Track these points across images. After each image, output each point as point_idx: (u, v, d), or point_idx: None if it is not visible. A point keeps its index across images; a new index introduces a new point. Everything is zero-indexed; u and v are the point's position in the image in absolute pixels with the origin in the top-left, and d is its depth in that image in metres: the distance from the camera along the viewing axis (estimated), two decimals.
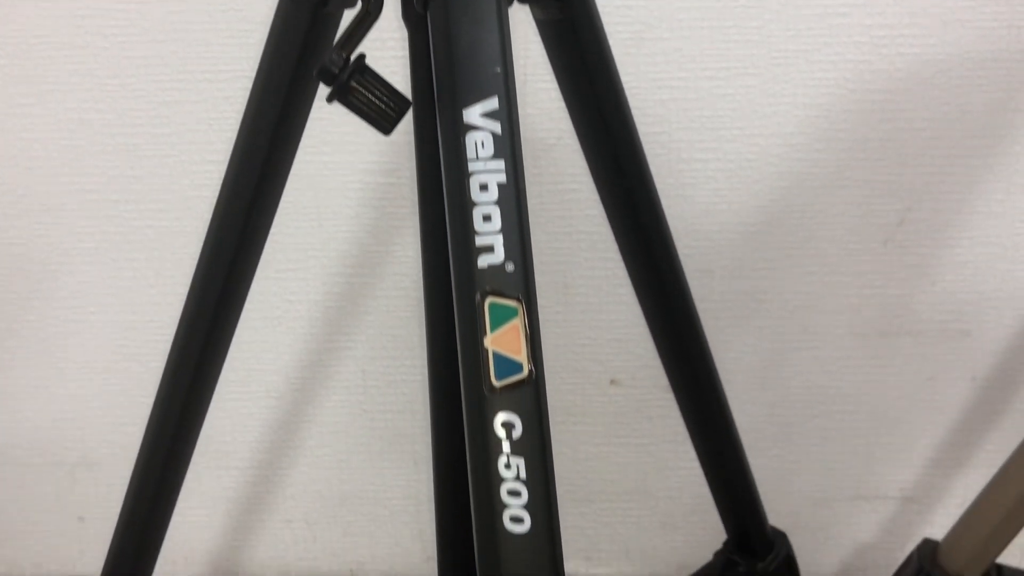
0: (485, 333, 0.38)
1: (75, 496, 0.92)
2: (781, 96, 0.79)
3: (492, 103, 0.38)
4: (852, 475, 0.90)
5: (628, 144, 0.59)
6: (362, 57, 0.42)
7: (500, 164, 0.38)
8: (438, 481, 0.54)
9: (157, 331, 0.85)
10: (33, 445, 0.90)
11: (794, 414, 0.89)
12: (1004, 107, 0.79)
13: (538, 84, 0.77)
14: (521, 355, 0.38)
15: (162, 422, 0.64)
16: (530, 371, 0.38)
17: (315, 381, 0.88)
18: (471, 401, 0.38)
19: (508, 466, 0.38)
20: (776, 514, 0.79)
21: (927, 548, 0.75)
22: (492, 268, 0.38)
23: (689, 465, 0.91)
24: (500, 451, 0.38)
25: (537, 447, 0.38)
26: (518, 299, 0.38)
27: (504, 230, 0.38)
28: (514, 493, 0.38)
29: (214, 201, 0.57)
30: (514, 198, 0.38)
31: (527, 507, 0.38)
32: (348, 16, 0.44)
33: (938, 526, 0.80)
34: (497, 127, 0.38)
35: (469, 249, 0.38)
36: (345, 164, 0.81)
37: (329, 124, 0.79)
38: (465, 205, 0.38)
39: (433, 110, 0.41)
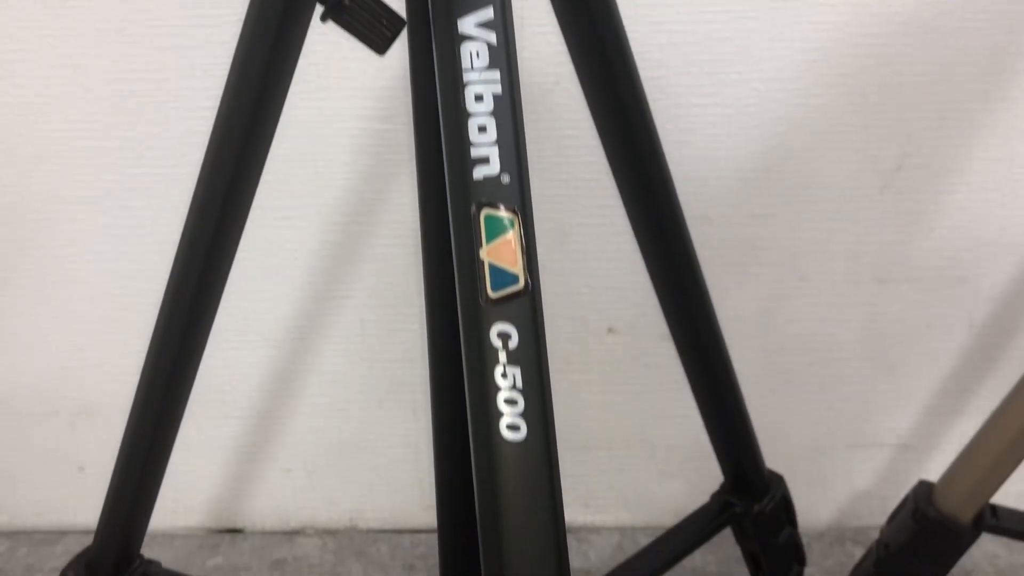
0: (481, 245, 0.38)
1: (75, 446, 0.92)
2: (780, 40, 0.78)
3: (487, 13, 0.38)
4: (848, 422, 0.91)
5: (630, 87, 0.59)
6: None
7: (495, 75, 0.38)
8: (437, 427, 0.54)
9: (155, 279, 0.83)
10: (32, 395, 0.91)
11: (791, 361, 0.89)
12: (1004, 51, 0.78)
13: (535, 29, 0.77)
14: (517, 267, 0.38)
15: (156, 371, 0.64)
16: (526, 282, 0.38)
17: (313, 330, 0.88)
18: (467, 312, 0.38)
19: (504, 375, 0.38)
20: (772, 462, 0.80)
21: (923, 489, 0.75)
22: (487, 180, 0.38)
23: (686, 413, 0.91)
24: (496, 361, 0.38)
25: (533, 357, 0.38)
26: (514, 211, 0.38)
27: (500, 141, 0.38)
28: (510, 402, 0.38)
29: None
30: (510, 109, 0.38)
31: (523, 415, 0.38)
32: None
33: (934, 473, 0.80)
34: (492, 37, 0.38)
35: (464, 160, 0.38)
36: (341, 111, 0.81)
37: (325, 69, 0.79)
38: (460, 116, 0.38)
39: (428, 30, 0.41)
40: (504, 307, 0.38)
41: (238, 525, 0.95)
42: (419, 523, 0.95)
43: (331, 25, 0.45)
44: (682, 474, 0.93)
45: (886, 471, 0.92)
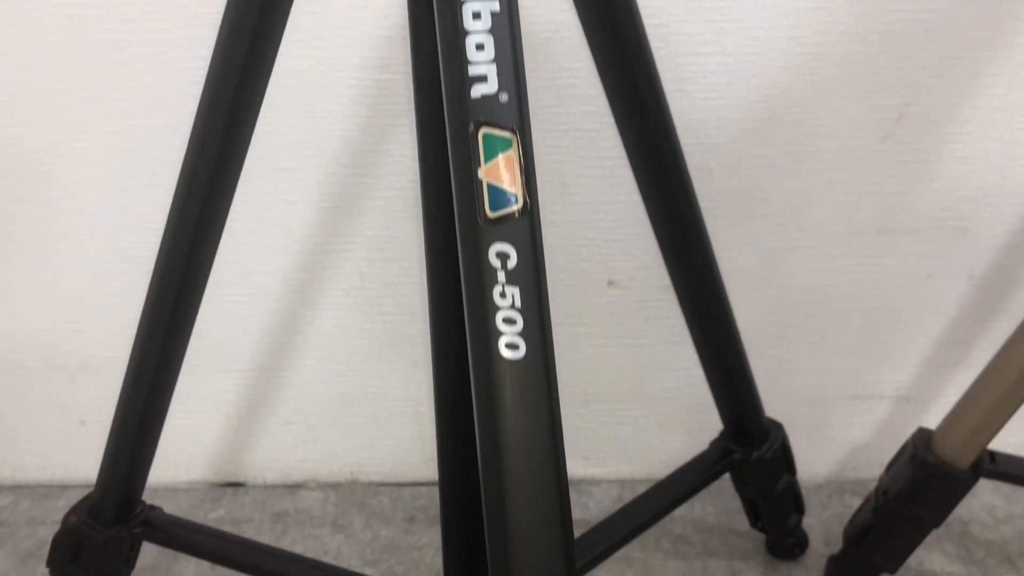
0: (479, 164, 0.38)
1: (77, 400, 0.93)
2: None
3: None
4: (848, 374, 0.91)
5: (634, 35, 0.58)
6: None
7: None
8: (438, 377, 0.54)
9: (155, 232, 0.83)
10: (33, 349, 0.91)
11: (791, 313, 0.89)
12: None
13: None
14: (515, 186, 0.38)
15: (154, 320, 0.65)
16: (524, 202, 0.38)
17: (313, 283, 0.88)
18: (465, 232, 0.38)
19: (503, 295, 0.38)
20: (772, 414, 0.80)
21: (922, 436, 0.76)
22: (485, 98, 0.38)
23: (686, 366, 0.91)
24: (495, 281, 0.38)
25: (531, 276, 0.38)
26: (512, 130, 0.38)
27: (498, 59, 0.38)
28: (509, 321, 0.38)
29: None
30: (508, 27, 0.38)
31: (522, 334, 0.38)
32: None
33: (933, 425, 0.80)
34: None
35: (462, 79, 0.38)
36: (339, 60, 0.80)
37: (322, 19, 0.78)
38: (458, 34, 0.38)
39: None
40: (502, 227, 0.38)
41: (240, 479, 0.96)
42: (420, 476, 0.95)
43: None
44: (682, 426, 0.93)
45: (885, 423, 0.93)
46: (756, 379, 0.77)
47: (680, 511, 0.89)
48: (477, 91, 0.38)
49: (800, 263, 0.87)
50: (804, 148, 0.83)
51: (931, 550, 0.84)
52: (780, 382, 0.90)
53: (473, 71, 0.38)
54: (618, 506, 0.89)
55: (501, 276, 0.38)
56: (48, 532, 0.70)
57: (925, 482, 0.73)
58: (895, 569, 0.77)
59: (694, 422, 0.93)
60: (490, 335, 0.38)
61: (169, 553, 0.85)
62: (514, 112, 0.38)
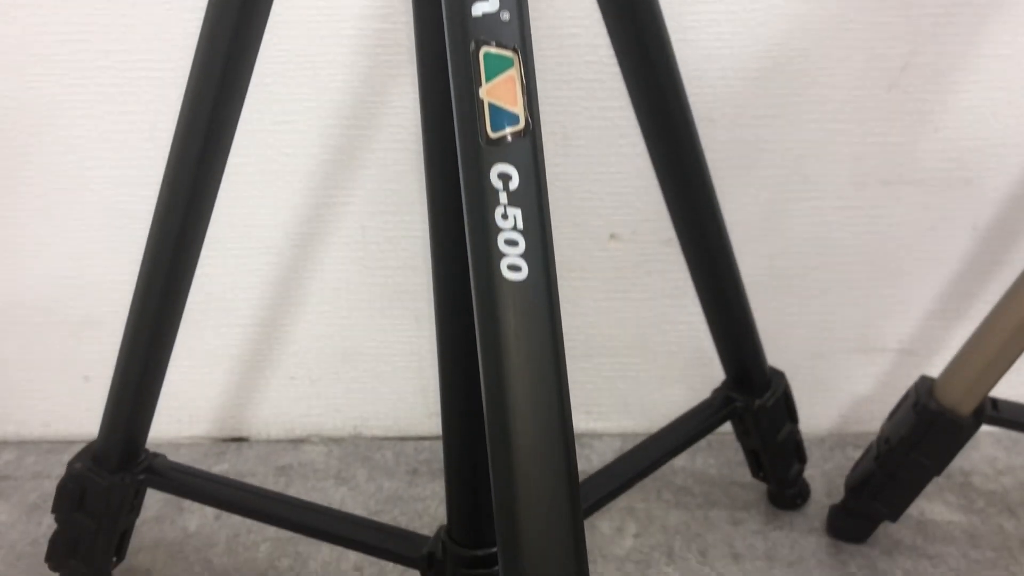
0: (480, 84, 0.38)
1: (80, 355, 0.93)
2: None
3: None
4: (851, 327, 0.91)
5: None
6: None
7: None
8: (441, 329, 0.54)
9: (156, 186, 0.83)
10: (35, 304, 0.91)
11: (793, 265, 0.89)
12: None
13: None
14: (517, 106, 0.38)
15: (152, 273, 0.65)
16: (526, 122, 0.38)
17: (314, 237, 0.88)
18: (466, 153, 0.38)
19: (505, 216, 0.38)
20: (773, 366, 0.80)
21: (924, 384, 0.76)
22: (487, 17, 0.37)
23: (688, 319, 0.91)
24: (497, 202, 0.38)
25: (534, 197, 0.38)
26: (514, 49, 0.38)
27: None
28: (511, 243, 0.38)
29: None
30: None
31: (524, 256, 0.38)
32: None
33: None
34: None
35: None
36: (338, 9, 0.79)
37: None
38: None
39: None
40: (504, 148, 0.38)
41: (243, 434, 0.96)
42: (423, 430, 0.96)
43: None
44: (683, 380, 0.93)
45: (887, 376, 0.93)
46: (758, 331, 0.77)
47: (682, 463, 0.90)
48: (478, 9, 0.37)
49: (802, 215, 0.87)
50: (807, 98, 0.82)
51: (932, 500, 0.84)
52: (782, 335, 0.90)
53: None
54: None
55: (503, 197, 0.37)
56: (53, 486, 0.70)
57: (927, 429, 0.73)
58: (896, 517, 0.77)
59: (696, 375, 0.93)
60: (492, 257, 0.38)
61: (173, 505, 0.85)
62: (516, 31, 0.38)
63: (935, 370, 0.76)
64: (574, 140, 0.84)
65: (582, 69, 0.82)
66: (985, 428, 0.92)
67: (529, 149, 0.38)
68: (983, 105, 0.82)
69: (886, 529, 0.80)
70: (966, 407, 0.73)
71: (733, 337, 0.75)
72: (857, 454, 0.82)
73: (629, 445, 0.93)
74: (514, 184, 0.38)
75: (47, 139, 0.84)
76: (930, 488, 0.85)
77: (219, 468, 0.92)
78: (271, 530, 0.82)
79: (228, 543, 0.81)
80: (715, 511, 0.84)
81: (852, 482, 0.79)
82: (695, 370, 0.93)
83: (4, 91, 0.83)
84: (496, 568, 0.60)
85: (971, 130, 0.83)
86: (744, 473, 0.88)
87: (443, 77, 0.39)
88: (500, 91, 0.37)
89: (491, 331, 0.38)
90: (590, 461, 0.91)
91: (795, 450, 0.81)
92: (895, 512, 0.77)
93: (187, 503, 0.86)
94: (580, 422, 0.95)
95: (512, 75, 0.37)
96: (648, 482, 0.87)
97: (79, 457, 0.70)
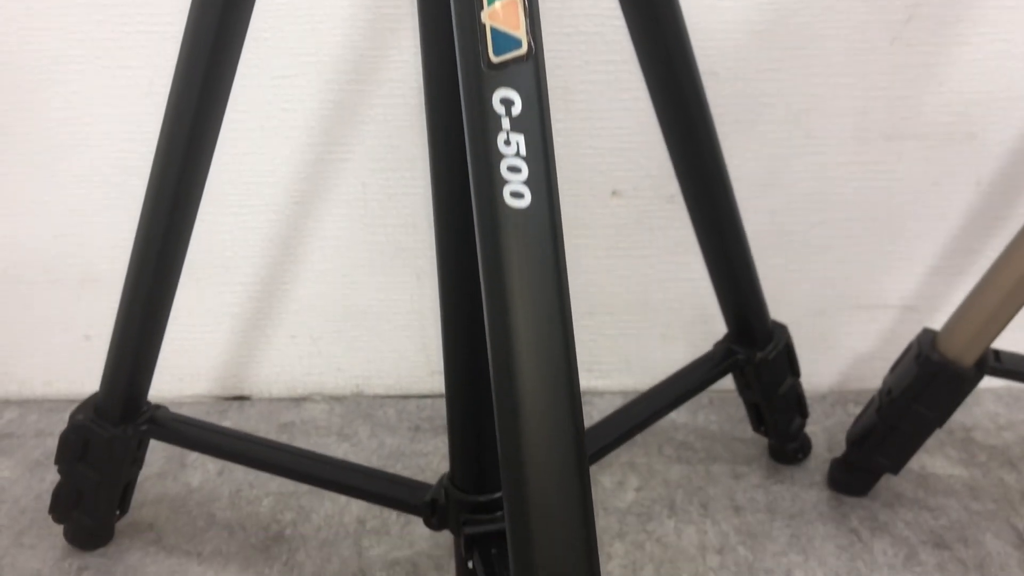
0: (482, 7, 0.37)
1: (80, 314, 0.93)
2: None
3: None
4: (852, 284, 0.91)
5: None
6: None
7: None
8: (442, 261, 0.54)
9: (155, 142, 0.84)
10: (35, 262, 0.90)
11: (795, 222, 0.88)
12: None
13: None
14: (520, 30, 0.37)
15: (150, 231, 0.64)
16: (529, 47, 0.37)
17: (314, 194, 0.88)
18: (468, 78, 0.38)
19: (508, 143, 0.37)
20: (776, 320, 0.80)
21: (927, 336, 0.76)
22: None
23: (690, 276, 0.91)
24: (499, 128, 0.37)
25: (537, 123, 0.38)
26: None
27: None
28: (514, 169, 0.38)
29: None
30: None
31: (527, 183, 0.38)
32: None
33: None
34: None
35: None
36: None
37: None
38: None
39: None
40: (506, 72, 0.37)
41: (245, 392, 0.96)
42: (425, 389, 0.96)
43: None
44: (685, 337, 0.93)
45: (889, 333, 0.93)
46: (760, 283, 0.77)
47: (683, 420, 0.90)
48: None
49: (805, 170, 0.86)
50: (810, 52, 0.82)
51: (933, 454, 0.84)
52: (784, 291, 0.90)
53: None
54: None
55: (505, 123, 0.37)
56: (56, 443, 0.71)
57: (930, 380, 0.73)
58: (898, 470, 0.77)
59: (697, 333, 0.93)
60: (494, 183, 0.37)
61: (176, 461, 0.86)
62: None
63: (937, 327, 0.76)
64: (575, 95, 0.84)
65: (583, 22, 0.81)
66: (986, 384, 0.93)
67: (532, 74, 0.37)
68: (988, 58, 0.81)
69: (887, 482, 0.80)
70: (969, 358, 0.73)
71: (735, 289, 0.75)
72: (858, 411, 0.82)
73: None
74: (516, 109, 0.37)
75: (44, 95, 0.84)
76: (931, 443, 0.85)
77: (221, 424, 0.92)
78: (274, 485, 0.82)
79: (231, 498, 0.81)
80: (716, 466, 0.84)
81: (854, 435, 0.79)
82: (696, 327, 0.93)
83: (0, 46, 0.82)
84: (499, 513, 0.60)
85: (975, 83, 0.82)
86: (745, 429, 0.88)
87: (444, 2, 0.38)
88: (502, 15, 0.37)
89: (494, 260, 0.38)
90: (591, 419, 0.91)
91: (797, 404, 0.81)
92: (897, 465, 0.77)
93: (190, 459, 0.86)
94: (582, 380, 0.94)
95: None
96: (649, 438, 0.88)
97: (81, 408, 0.70)
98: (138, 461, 0.73)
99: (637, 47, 0.64)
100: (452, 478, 0.61)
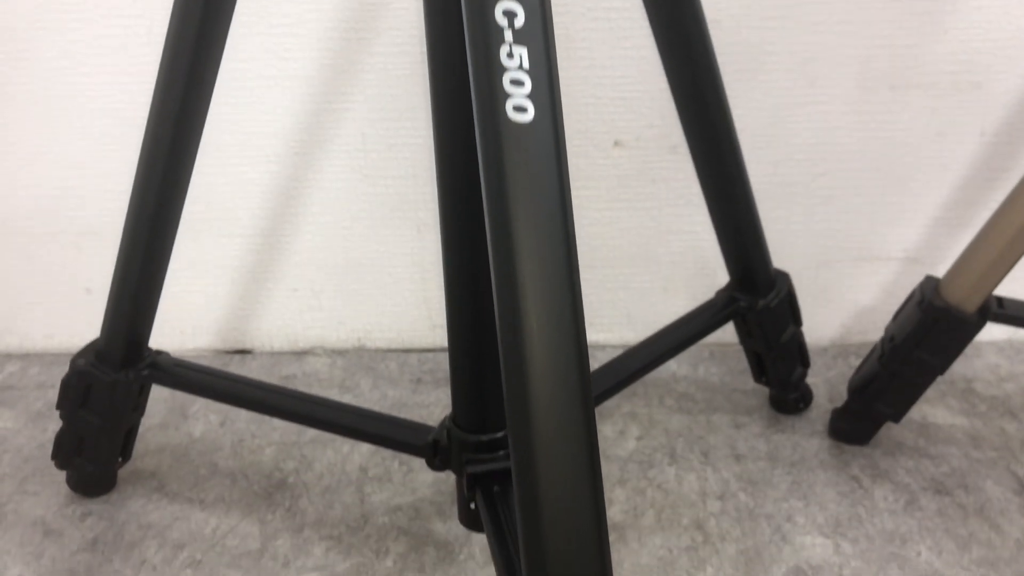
0: None
1: (81, 267, 0.92)
2: None
3: None
4: (855, 236, 0.90)
5: None
6: None
7: None
8: (443, 182, 0.53)
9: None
10: (34, 215, 0.90)
11: (798, 173, 0.88)
12: None
13: None
14: None
15: (148, 175, 0.64)
16: None
17: (314, 145, 0.87)
18: None
19: (511, 55, 0.37)
20: (779, 268, 0.80)
21: (929, 283, 0.75)
22: None
23: (692, 229, 0.91)
24: (502, 40, 0.37)
25: (540, 36, 0.37)
26: None
27: None
28: (517, 83, 0.37)
29: None
30: None
31: (530, 96, 0.37)
32: None
33: None
34: None
35: None
36: None
37: None
38: None
39: None
40: None
41: (247, 346, 0.96)
42: (426, 343, 0.96)
43: None
44: (686, 291, 0.93)
45: (891, 285, 0.92)
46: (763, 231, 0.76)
47: (684, 372, 0.90)
48: None
49: (808, 120, 0.85)
50: None
51: (934, 405, 0.84)
52: (786, 243, 0.90)
53: None
54: None
55: (508, 35, 0.37)
56: (57, 395, 0.71)
57: (932, 326, 0.73)
58: (899, 418, 0.78)
59: (699, 286, 0.92)
60: (497, 97, 0.37)
61: (178, 412, 0.86)
62: None
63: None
64: (577, 43, 0.83)
65: None
66: (988, 337, 0.93)
67: None
68: (994, 5, 0.80)
69: (888, 432, 0.81)
70: (971, 304, 0.72)
71: (738, 236, 0.74)
72: (860, 363, 0.82)
73: None
74: (520, 22, 0.37)
75: (41, 44, 0.83)
76: (932, 394, 0.85)
77: None
78: (276, 434, 0.83)
79: (233, 447, 0.81)
80: (717, 416, 0.84)
81: (855, 383, 0.79)
82: (698, 280, 0.92)
83: None
84: (501, 452, 0.60)
85: (981, 31, 0.82)
86: (746, 381, 0.88)
87: None
88: None
89: (496, 176, 0.37)
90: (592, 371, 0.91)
91: (798, 353, 0.81)
92: (898, 413, 0.77)
93: (192, 411, 0.86)
94: None
95: None
96: (650, 389, 0.88)
97: (82, 354, 0.70)
98: (140, 407, 0.73)
99: None
100: (454, 419, 0.61)
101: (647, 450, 0.80)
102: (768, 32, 0.82)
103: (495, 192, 0.37)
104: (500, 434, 0.60)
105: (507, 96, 0.37)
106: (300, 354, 0.95)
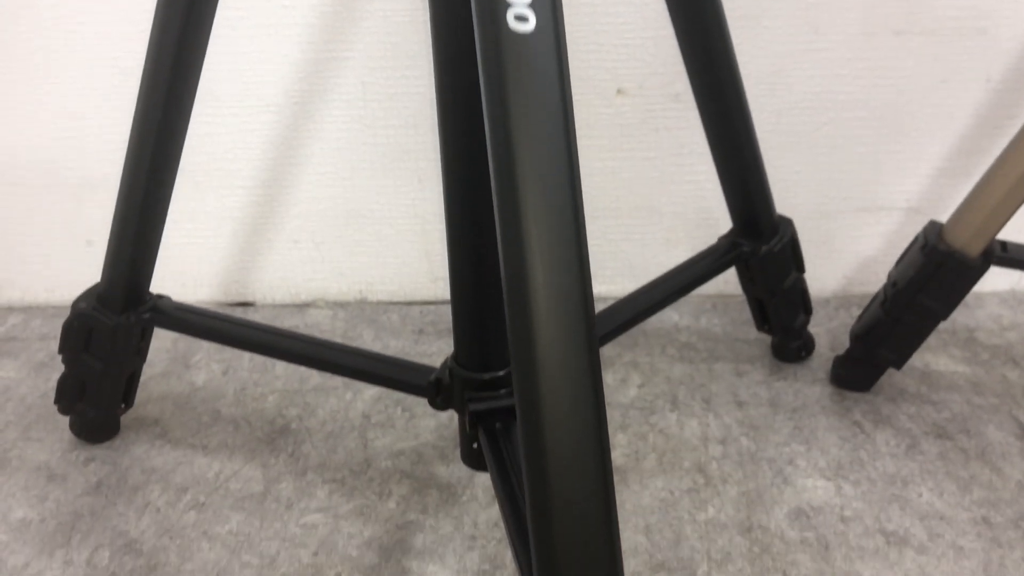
0: None
1: (81, 219, 0.92)
2: None
3: None
4: (858, 186, 0.90)
5: None
6: None
7: None
8: (441, 95, 0.53)
9: None
10: (34, 167, 0.90)
11: (801, 122, 0.87)
12: None
13: None
14: None
15: (146, 117, 0.64)
16: None
17: (314, 94, 0.86)
18: None
19: None
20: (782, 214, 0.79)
21: (933, 228, 0.75)
22: None
23: (695, 178, 0.90)
24: None
25: None
26: None
27: None
28: None
29: None
30: None
31: (531, 6, 0.37)
32: None
33: None
34: None
35: None
36: None
37: None
38: None
39: None
40: None
41: (248, 299, 0.96)
42: (428, 295, 0.95)
43: None
44: (689, 241, 0.93)
45: (894, 236, 0.92)
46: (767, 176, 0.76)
47: (686, 323, 0.90)
48: None
49: (812, 68, 0.85)
50: None
51: (937, 354, 0.84)
52: (788, 194, 0.89)
53: None
54: None
55: None
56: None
57: (935, 270, 0.73)
58: (901, 364, 0.77)
59: (702, 238, 0.92)
60: (497, 5, 0.36)
61: (180, 361, 0.86)
62: None
63: None
64: None
65: None
66: (991, 287, 0.93)
67: None
68: None
69: (890, 379, 0.81)
70: (975, 248, 0.72)
71: (742, 181, 0.74)
72: None
73: None
74: None
75: None
76: (935, 343, 0.85)
77: None
78: (279, 383, 0.83)
79: (236, 395, 0.82)
80: (719, 364, 0.84)
81: (858, 330, 0.78)
82: (701, 231, 0.92)
83: None
84: (503, 391, 0.60)
85: None
86: (748, 331, 0.88)
87: None
88: None
89: (497, 89, 0.37)
90: None
91: (801, 299, 0.80)
92: (900, 358, 0.77)
93: (194, 360, 0.86)
94: None
95: None
96: (652, 339, 0.88)
97: (84, 297, 0.70)
98: (142, 352, 0.73)
99: None
100: (456, 358, 0.61)
101: (649, 397, 0.80)
102: None
103: (495, 104, 0.37)
104: (502, 372, 0.60)
105: (508, 5, 0.36)
106: (302, 306, 0.95)
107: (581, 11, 0.83)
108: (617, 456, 0.73)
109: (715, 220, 0.91)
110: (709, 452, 0.74)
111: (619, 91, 0.86)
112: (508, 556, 0.64)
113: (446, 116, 0.52)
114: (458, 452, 0.74)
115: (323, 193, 0.91)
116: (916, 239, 0.76)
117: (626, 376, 0.83)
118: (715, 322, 0.90)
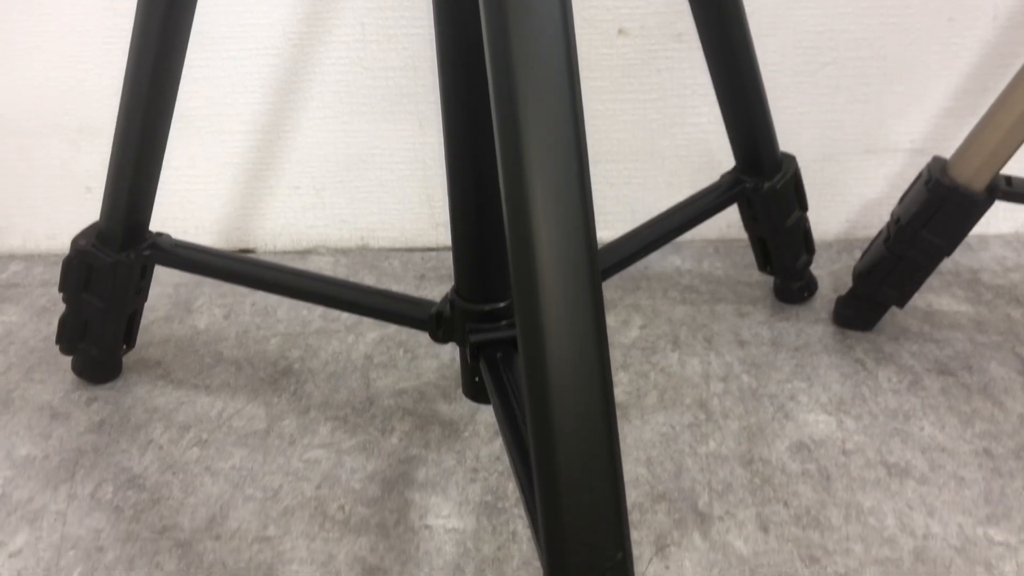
0: None
1: (81, 165, 0.92)
2: None
3: None
4: (862, 127, 0.89)
5: None
6: None
7: None
8: (441, 44, 0.52)
9: None
10: (31, 113, 0.89)
11: (804, 62, 0.86)
12: None
13: None
14: None
15: (141, 56, 0.63)
16: None
17: (312, 36, 0.86)
18: None
19: None
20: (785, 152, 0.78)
21: (937, 163, 0.74)
22: None
23: (697, 120, 0.89)
24: None
25: None
26: None
27: None
28: None
29: None
30: None
31: None
32: None
33: None
34: None
35: None
36: None
37: None
38: None
39: None
40: None
41: (250, 246, 0.96)
42: (429, 242, 0.95)
43: None
44: (691, 185, 0.92)
45: (898, 178, 0.91)
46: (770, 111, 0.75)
47: (688, 266, 0.89)
48: None
49: (815, 6, 0.84)
50: None
51: (940, 294, 0.84)
52: (791, 136, 0.88)
53: None
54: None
55: None
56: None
57: (940, 205, 0.72)
58: (904, 302, 0.77)
59: (704, 180, 0.90)
60: None
61: (182, 305, 0.86)
62: None
63: None
64: None
65: None
66: (994, 229, 0.92)
67: None
68: None
69: (892, 318, 0.80)
70: (979, 183, 0.72)
71: (746, 118, 0.73)
72: None
73: None
74: None
75: None
76: (937, 283, 0.85)
77: None
78: (281, 326, 0.83)
79: (238, 338, 0.82)
80: (721, 306, 0.84)
81: (860, 268, 0.78)
82: (704, 175, 0.91)
83: None
84: (503, 322, 0.60)
85: None
86: (751, 274, 0.88)
87: None
88: None
89: (498, 27, 0.36)
90: None
91: (803, 238, 0.80)
92: (903, 296, 0.77)
93: (196, 304, 0.86)
94: None
95: None
96: (654, 283, 0.88)
97: (84, 235, 0.70)
98: (142, 291, 0.73)
99: None
100: (457, 290, 0.61)
101: (651, 337, 0.80)
102: None
103: (497, 37, 0.37)
104: (502, 304, 0.60)
105: None
106: (303, 253, 0.95)
107: None
108: (619, 393, 0.73)
109: (718, 163, 0.91)
110: (710, 389, 0.74)
111: (620, 31, 0.85)
112: (510, 488, 0.65)
113: (446, 55, 0.52)
114: (460, 390, 0.74)
115: (323, 138, 0.90)
116: (920, 175, 0.75)
117: (628, 318, 0.83)
118: (717, 265, 0.90)
